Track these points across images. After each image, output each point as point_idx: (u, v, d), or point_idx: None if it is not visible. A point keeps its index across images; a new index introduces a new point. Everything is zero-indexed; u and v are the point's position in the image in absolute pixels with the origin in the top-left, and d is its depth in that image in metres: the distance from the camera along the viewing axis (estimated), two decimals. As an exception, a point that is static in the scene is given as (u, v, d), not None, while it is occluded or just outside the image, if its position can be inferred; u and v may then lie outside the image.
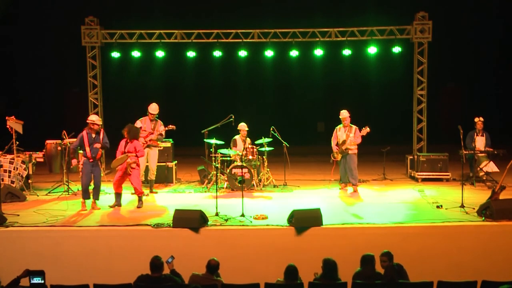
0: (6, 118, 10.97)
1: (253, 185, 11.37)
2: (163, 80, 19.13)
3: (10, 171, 10.96)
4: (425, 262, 7.85)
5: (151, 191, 11.30)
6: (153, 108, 11.36)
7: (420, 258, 7.88)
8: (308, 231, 8.16)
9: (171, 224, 8.27)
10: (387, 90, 19.67)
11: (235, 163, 11.41)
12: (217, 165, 10.87)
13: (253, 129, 12.14)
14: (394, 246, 7.15)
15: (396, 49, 13.57)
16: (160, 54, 13.83)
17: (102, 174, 12.12)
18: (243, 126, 11.84)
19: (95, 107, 13.96)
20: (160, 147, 12.03)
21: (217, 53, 13.79)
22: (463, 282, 6.08)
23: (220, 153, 11.48)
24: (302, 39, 13.73)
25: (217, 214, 8.90)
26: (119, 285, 5.99)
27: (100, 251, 8.07)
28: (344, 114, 11.21)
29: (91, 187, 9.84)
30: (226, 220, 8.61)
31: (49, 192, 11.37)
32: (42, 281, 5.65)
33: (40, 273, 5.67)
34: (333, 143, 11.33)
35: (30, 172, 11.51)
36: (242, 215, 8.83)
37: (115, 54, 13.88)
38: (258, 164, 11.70)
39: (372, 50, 13.68)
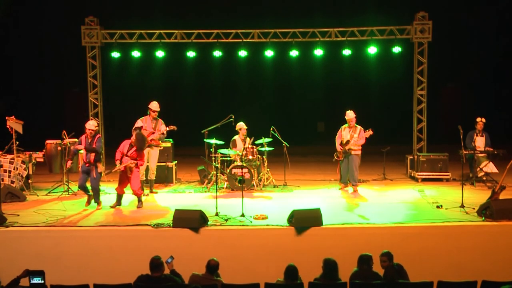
0: (6, 118, 10.97)
1: (253, 185, 11.38)
2: (163, 80, 19.13)
3: (10, 171, 10.96)
4: (425, 262, 7.85)
5: (151, 191, 11.30)
6: (154, 105, 11.33)
7: (420, 258, 7.88)
8: (308, 231, 8.16)
9: (171, 224, 8.27)
10: (387, 90, 19.67)
11: (235, 163, 11.41)
12: (217, 165, 10.87)
13: (253, 129, 12.14)
14: (394, 246, 7.15)
15: (396, 49, 13.56)
16: (160, 54, 13.82)
17: (102, 175, 12.13)
18: (241, 125, 11.84)
19: (95, 107, 13.95)
20: (161, 147, 12.04)
21: (217, 53, 13.79)
22: (463, 282, 6.08)
23: (220, 153, 11.48)
24: (302, 39, 13.73)
25: (217, 214, 8.90)
26: (119, 285, 5.99)
27: (100, 251, 8.07)
28: (350, 115, 11.19)
29: (89, 187, 9.90)
30: (226, 220, 8.61)
31: (49, 192, 11.37)
32: (42, 281, 5.65)
33: (40, 273, 5.67)
34: (337, 143, 11.31)
35: (30, 172, 11.51)
36: (242, 215, 8.83)
37: (115, 54, 13.87)
38: (258, 164, 11.70)
39: (372, 50, 13.67)
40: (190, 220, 8.22)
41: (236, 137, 11.90)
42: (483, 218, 8.51)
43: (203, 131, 11.74)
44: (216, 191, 9.40)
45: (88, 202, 9.88)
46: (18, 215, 9.15)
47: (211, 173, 11.84)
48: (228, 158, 11.79)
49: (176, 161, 12.75)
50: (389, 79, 18.86)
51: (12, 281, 5.66)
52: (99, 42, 13.68)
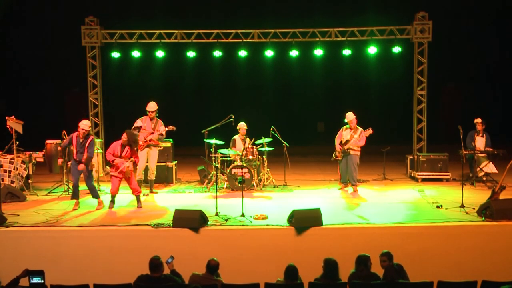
0: (6, 118, 10.97)
1: (253, 185, 11.37)
2: (163, 80, 19.13)
3: (10, 171, 10.96)
4: (425, 262, 7.85)
5: (151, 191, 11.30)
6: (151, 106, 11.30)
7: (420, 258, 7.87)
8: (308, 231, 8.16)
9: (171, 224, 8.27)
10: (387, 90, 19.68)
11: (235, 163, 11.40)
12: (217, 165, 10.87)
13: (253, 129, 12.14)
14: (394, 246, 7.15)
15: (396, 49, 13.56)
16: (160, 54, 13.83)
17: (101, 174, 12.14)
18: (242, 125, 11.84)
19: (95, 107, 13.96)
20: (161, 147, 12.04)
21: (217, 53, 13.79)
22: (463, 282, 6.08)
23: (220, 153, 11.48)
24: (302, 39, 13.73)
25: (217, 214, 8.90)
26: (119, 285, 5.99)
27: (100, 251, 8.07)
28: (350, 117, 11.17)
29: (82, 187, 9.90)
30: (226, 220, 8.61)
31: (49, 192, 11.37)
32: (42, 281, 5.64)
33: (40, 273, 5.67)
34: (336, 142, 11.31)
35: (30, 172, 11.50)
36: (242, 215, 8.83)
37: (115, 54, 13.87)
38: (258, 164, 11.70)
39: (372, 50, 13.67)
40: (190, 220, 8.22)
41: (236, 136, 11.90)
42: (483, 218, 8.51)
43: (203, 131, 11.74)
44: (216, 191, 9.40)
45: (76, 206, 9.76)
46: (18, 215, 9.15)
47: (211, 173, 11.84)
48: (228, 158, 11.79)
49: (176, 161, 12.74)
50: (389, 79, 18.87)
51: (12, 281, 5.66)
52: (99, 42, 13.68)
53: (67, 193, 11.14)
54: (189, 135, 13.97)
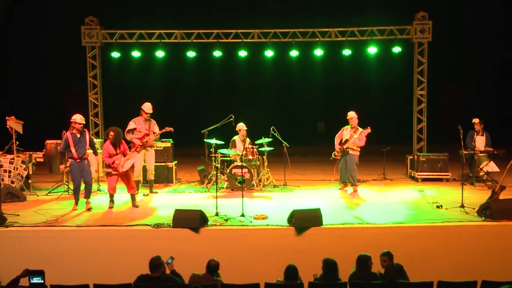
0: (6, 118, 10.97)
1: (253, 185, 11.37)
2: (163, 80, 19.14)
3: (10, 171, 10.96)
4: (425, 262, 7.85)
5: (151, 191, 11.30)
6: (148, 107, 11.25)
7: (420, 258, 7.87)
8: (308, 231, 8.16)
9: (171, 224, 8.27)
10: (387, 90, 19.69)
11: (235, 163, 11.40)
12: (217, 165, 10.87)
13: (253, 129, 12.14)
14: (394, 246, 7.14)
15: (396, 49, 13.57)
16: (160, 54, 13.83)
17: (101, 174, 12.13)
18: (241, 126, 11.84)
19: (95, 107, 13.96)
20: (160, 147, 12.03)
21: (217, 53, 13.79)
22: (463, 282, 6.08)
23: (220, 153, 11.48)
24: (302, 39, 13.73)
25: (217, 214, 8.90)
26: (119, 285, 5.99)
27: (100, 251, 8.07)
28: (351, 114, 11.21)
29: (82, 187, 9.89)
30: (226, 220, 8.61)
31: (49, 192, 11.37)
32: (42, 281, 5.64)
33: (40, 273, 5.66)
34: (336, 141, 11.32)
35: (30, 172, 11.51)
36: (242, 215, 8.83)
37: (115, 54, 13.88)
38: (258, 164, 11.70)
39: (372, 50, 13.68)
40: (190, 220, 8.21)
41: (235, 137, 11.89)
42: (483, 218, 8.51)
43: (203, 131, 11.74)
44: (216, 191, 9.40)
45: (76, 206, 9.76)
46: (18, 215, 9.15)
47: (211, 173, 11.84)
48: (228, 158, 11.79)
49: (176, 161, 12.74)
50: (389, 79, 18.88)
51: (12, 281, 5.66)
52: (99, 42, 13.68)
53: (67, 193, 11.14)
54: (189, 135, 13.97)
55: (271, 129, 11.77)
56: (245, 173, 11.13)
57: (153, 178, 11.46)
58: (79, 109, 13.47)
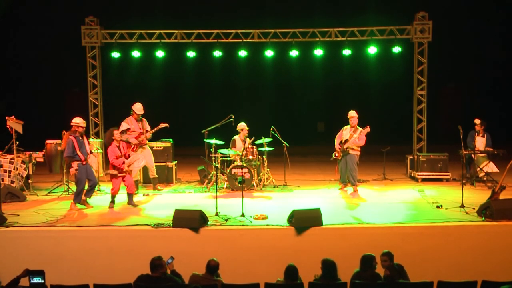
0: (6, 118, 10.97)
1: (253, 185, 11.37)
2: (163, 80, 19.14)
3: (10, 171, 10.96)
4: (425, 262, 7.85)
5: (155, 188, 11.36)
6: (139, 108, 11.29)
7: (420, 258, 7.87)
8: (308, 231, 8.16)
9: (171, 224, 8.27)
10: (387, 90, 19.69)
11: (235, 163, 11.40)
12: (217, 165, 10.87)
13: (253, 129, 12.14)
14: (394, 246, 7.14)
15: (396, 49, 13.57)
16: (160, 54, 13.83)
17: (101, 174, 12.15)
18: (243, 126, 11.84)
19: (95, 107, 13.96)
20: (160, 147, 12.03)
21: (217, 53, 13.79)
22: (463, 282, 6.08)
23: (220, 153, 11.48)
24: (302, 39, 13.73)
25: (217, 214, 8.90)
26: (119, 285, 5.99)
27: (100, 251, 8.07)
28: (352, 113, 11.23)
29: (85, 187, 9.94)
30: (226, 220, 8.61)
31: (49, 192, 11.37)
32: (42, 281, 5.64)
33: (40, 273, 5.66)
34: (336, 141, 11.32)
35: (30, 172, 11.51)
36: (242, 215, 8.83)
37: (115, 54, 13.87)
38: (258, 164, 11.70)
39: (372, 50, 13.67)
40: (190, 220, 8.21)
41: (236, 137, 11.89)
42: (483, 218, 8.51)
43: (203, 131, 11.74)
44: (216, 191, 9.40)
45: (86, 206, 9.83)
46: (18, 215, 9.15)
47: (211, 173, 11.84)
48: (228, 158, 11.79)
49: (176, 161, 12.74)
50: (389, 79, 18.88)
51: (12, 281, 5.66)
52: (99, 42, 13.68)
53: (67, 193, 11.14)
54: (189, 135, 13.97)
55: (271, 129, 11.77)
56: (245, 173, 11.13)
57: (156, 175, 11.50)
58: (79, 109, 13.51)
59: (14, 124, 10.94)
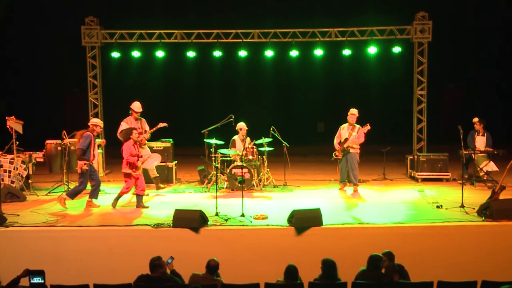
0: (6, 118, 10.97)
1: (253, 185, 11.37)
2: (163, 80, 19.14)
3: (10, 171, 10.95)
4: (425, 262, 7.85)
5: (158, 187, 11.45)
6: (137, 106, 11.30)
7: (420, 258, 7.88)
8: (308, 231, 8.16)
9: (171, 224, 8.27)
10: (387, 90, 19.68)
11: (235, 163, 11.40)
12: (217, 165, 10.87)
13: (253, 129, 12.14)
14: (394, 246, 7.14)
15: (396, 49, 13.57)
16: (160, 54, 13.83)
17: (101, 174, 12.16)
18: (242, 125, 11.84)
19: (95, 107, 13.96)
20: (160, 147, 12.02)
21: (217, 53, 13.79)
22: (463, 282, 6.08)
23: (220, 153, 11.48)
24: (302, 39, 13.73)
25: (217, 214, 8.90)
26: (119, 285, 5.99)
27: (100, 251, 8.07)
28: (353, 111, 11.24)
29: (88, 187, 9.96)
30: (226, 220, 8.61)
31: (49, 192, 11.37)
32: (42, 281, 5.64)
33: (40, 273, 5.66)
34: (335, 141, 11.33)
35: (30, 172, 11.50)
36: (242, 215, 8.83)
37: (115, 54, 13.88)
38: (258, 164, 11.70)
39: (372, 50, 13.68)
40: (190, 220, 8.22)
41: (235, 137, 11.89)
42: (483, 218, 8.51)
43: (203, 131, 11.74)
44: (216, 191, 9.40)
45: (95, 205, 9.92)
46: (18, 215, 9.15)
47: (211, 173, 11.84)
48: (228, 158, 11.79)
49: (176, 161, 12.73)
50: (389, 79, 18.87)
51: (12, 281, 5.66)
52: (99, 42, 13.68)
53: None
54: (189, 135, 13.97)
55: (271, 129, 11.76)
56: (245, 173, 11.13)
57: (157, 174, 11.51)
58: (79, 109, 13.52)
59: (14, 124, 10.94)
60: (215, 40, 13.74)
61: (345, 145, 11.10)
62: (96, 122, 9.96)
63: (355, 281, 6.05)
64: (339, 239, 8.13)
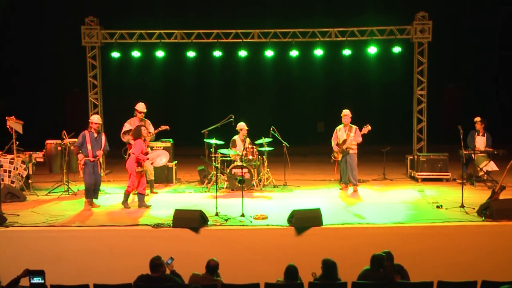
0: (6, 118, 10.97)
1: (253, 185, 11.37)
2: (163, 80, 19.15)
3: (10, 171, 10.96)
4: (425, 262, 7.85)
5: (152, 191, 11.30)
6: (141, 106, 11.29)
7: (420, 258, 7.87)
8: (308, 231, 8.16)
9: (171, 224, 8.27)
10: (387, 90, 19.69)
11: (235, 163, 11.40)
12: (217, 165, 10.87)
13: (253, 129, 12.14)
14: (394, 246, 7.14)
15: (396, 49, 13.58)
16: (160, 54, 13.83)
17: (102, 174, 12.15)
18: (242, 126, 11.84)
19: (95, 107, 13.96)
20: (160, 147, 12.02)
21: (217, 53, 13.79)
22: (463, 282, 6.08)
23: (220, 153, 11.48)
24: (302, 39, 13.73)
25: (217, 214, 8.90)
26: (119, 285, 5.99)
27: (100, 251, 8.07)
28: (346, 112, 11.26)
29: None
30: (226, 220, 8.61)
31: (49, 192, 11.37)
32: (42, 281, 5.64)
33: (40, 273, 5.66)
34: (333, 143, 11.35)
35: (30, 172, 11.50)
36: (242, 215, 8.83)
37: (115, 54, 13.88)
38: (258, 164, 11.70)
39: (372, 50, 13.68)
40: (190, 220, 8.22)
41: (236, 137, 11.89)
42: (483, 218, 8.51)
43: (203, 131, 11.74)
44: (216, 191, 9.40)
45: (89, 205, 9.82)
46: (18, 215, 9.15)
47: (211, 173, 11.84)
48: (228, 158, 11.79)
49: (176, 161, 12.73)
50: (389, 79, 18.88)
51: (12, 281, 5.66)
52: (99, 42, 13.68)
53: (67, 193, 11.14)
54: (189, 135, 13.97)
55: (271, 129, 11.77)
56: (245, 173, 11.14)
57: (153, 178, 11.45)
58: (79, 109, 13.52)
59: (14, 124, 10.95)
60: (215, 40, 13.74)
61: (344, 147, 11.11)
62: (91, 119, 9.94)
63: (355, 281, 6.04)
64: (339, 239, 8.13)
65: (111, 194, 11.12)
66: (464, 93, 21.66)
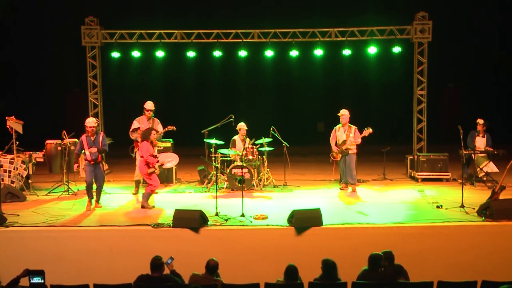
0: (6, 118, 10.97)
1: (253, 185, 11.37)
2: (163, 80, 19.13)
3: (10, 171, 10.96)
4: (425, 262, 7.86)
5: (135, 191, 11.34)
6: (149, 105, 11.29)
7: (420, 258, 7.88)
8: (308, 231, 8.16)
9: (171, 224, 8.27)
10: (387, 90, 19.67)
11: (235, 163, 11.40)
12: (217, 165, 10.87)
13: (253, 129, 12.14)
14: (394, 246, 7.14)
15: (396, 49, 13.57)
16: (160, 54, 13.83)
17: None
18: (242, 125, 11.84)
19: (95, 107, 13.96)
20: (160, 147, 12.04)
21: (217, 53, 13.79)
22: (463, 282, 6.08)
23: (220, 153, 11.48)
24: (302, 39, 13.73)
25: (217, 214, 8.90)
26: (119, 285, 5.99)
27: (100, 251, 8.07)
28: (343, 111, 11.25)
29: (94, 187, 9.89)
30: (226, 220, 8.61)
31: (49, 192, 11.37)
32: (42, 281, 5.64)
33: (40, 273, 5.66)
34: (332, 143, 11.35)
35: (30, 172, 11.51)
36: (242, 215, 8.83)
37: (115, 54, 13.88)
38: (258, 164, 11.70)
39: (372, 50, 13.68)
40: (190, 220, 8.22)
41: (236, 137, 11.89)
42: (483, 218, 8.51)
43: (203, 131, 11.74)
44: (216, 191, 9.40)
45: (90, 205, 9.80)
46: (18, 215, 9.15)
47: (211, 173, 11.84)
48: (228, 158, 11.79)
49: (176, 161, 12.72)
50: (389, 79, 18.86)
51: (12, 281, 5.66)
52: (99, 42, 13.68)
53: (67, 193, 11.14)
54: (189, 135, 13.96)
55: (271, 129, 11.77)
56: (245, 173, 11.14)
57: (141, 180, 11.47)
58: (79, 109, 13.52)
59: (14, 124, 10.95)
60: (215, 40, 13.74)
61: (343, 147, 11.11)
62: (86, 123, 9.84)
63: (355, 281, 6.05)
64: (339, 239, 8.14)
65: (111, 194, 11.12)
66: (464, 93, 21.64)
